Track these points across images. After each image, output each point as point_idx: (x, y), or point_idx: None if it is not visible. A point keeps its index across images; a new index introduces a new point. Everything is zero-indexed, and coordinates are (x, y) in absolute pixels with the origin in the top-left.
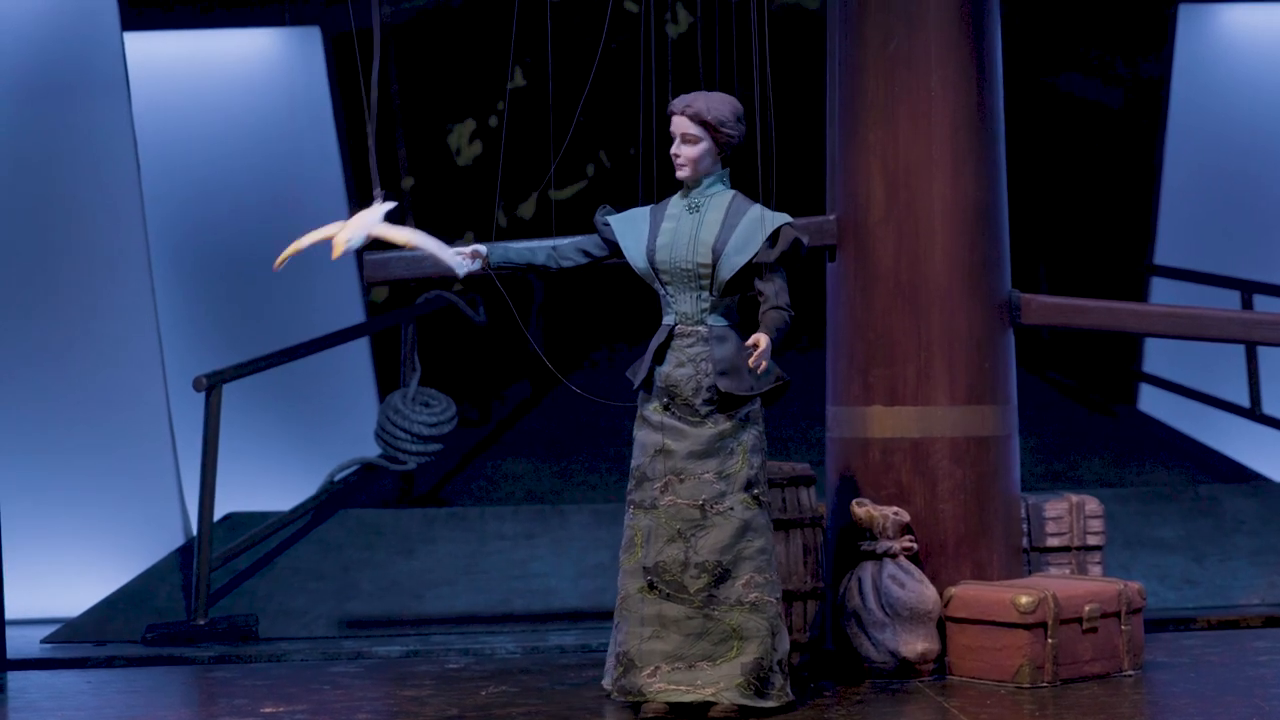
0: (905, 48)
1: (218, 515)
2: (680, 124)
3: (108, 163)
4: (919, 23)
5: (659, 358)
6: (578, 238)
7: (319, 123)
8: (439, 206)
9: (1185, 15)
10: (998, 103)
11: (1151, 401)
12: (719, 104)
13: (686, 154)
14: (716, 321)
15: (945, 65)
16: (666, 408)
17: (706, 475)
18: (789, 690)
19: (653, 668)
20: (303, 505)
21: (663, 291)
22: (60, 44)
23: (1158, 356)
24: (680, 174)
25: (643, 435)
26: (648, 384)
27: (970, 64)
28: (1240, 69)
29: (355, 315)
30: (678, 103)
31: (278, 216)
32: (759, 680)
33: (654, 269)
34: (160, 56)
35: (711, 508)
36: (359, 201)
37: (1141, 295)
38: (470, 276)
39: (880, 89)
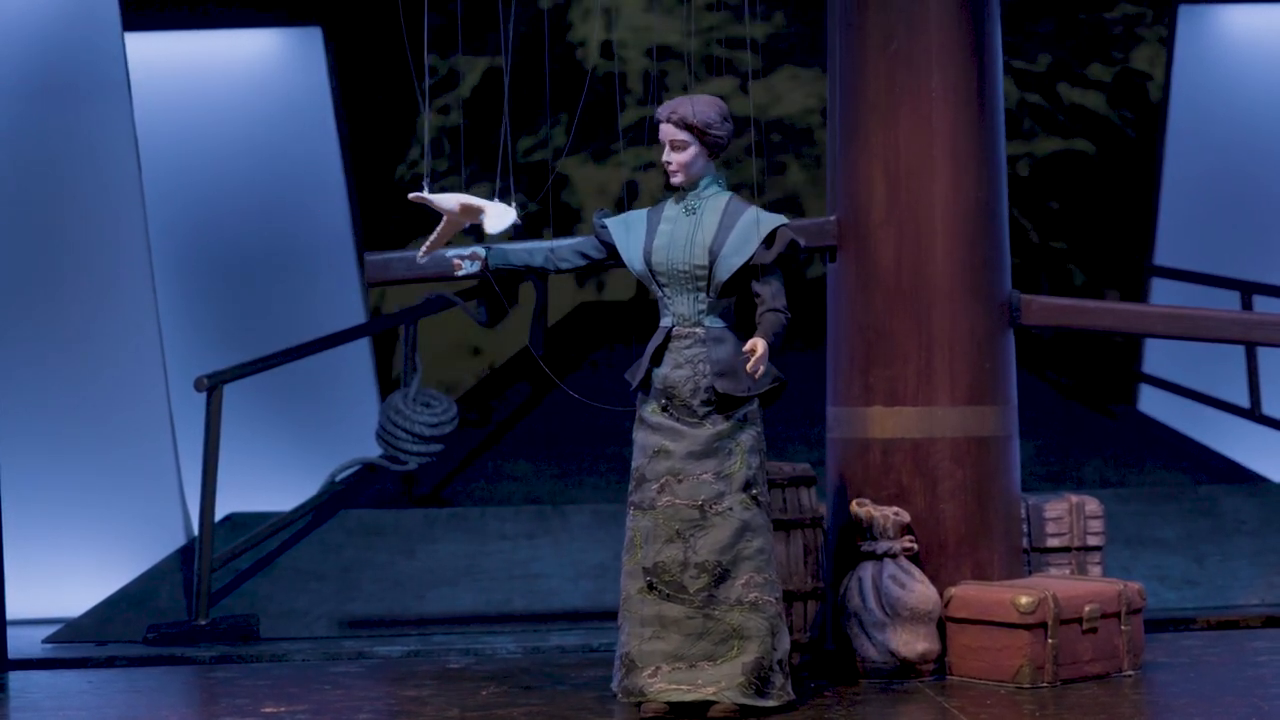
0: (906, 48)
1: (219, 515)
2: (668, 131)
3: (109, 163)
4: (920, 23)
5: (657, 359)
6: (576, 239)
7: (320, 123)
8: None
9: (1185, 16)
10: (998, 103)
11: (1152, 402)
12: (704, 106)
13: (677, 160)
14: (714, 323)
15: (946, 66)
16: (665, 409)
17: (705, 476)
18: (789, 689)
19: (653, 668)
20: (304, 505)
21: (660, 294)
22: (61, 45)
23: (1158, 357)
24: (674, 180)
25: (641, 437)
26: (646, 385)
27: (971, 65)
28: (1241, 70)
29: (356, 315)
30: (663, 110)
31: (279, 217)
32: (759, 680)
33: (651, 271)
34: (161, 57)
35: (710, 508)
36: (358, 201)
37: (1142, 296)
38: (469, 278)
39: (881, 90)
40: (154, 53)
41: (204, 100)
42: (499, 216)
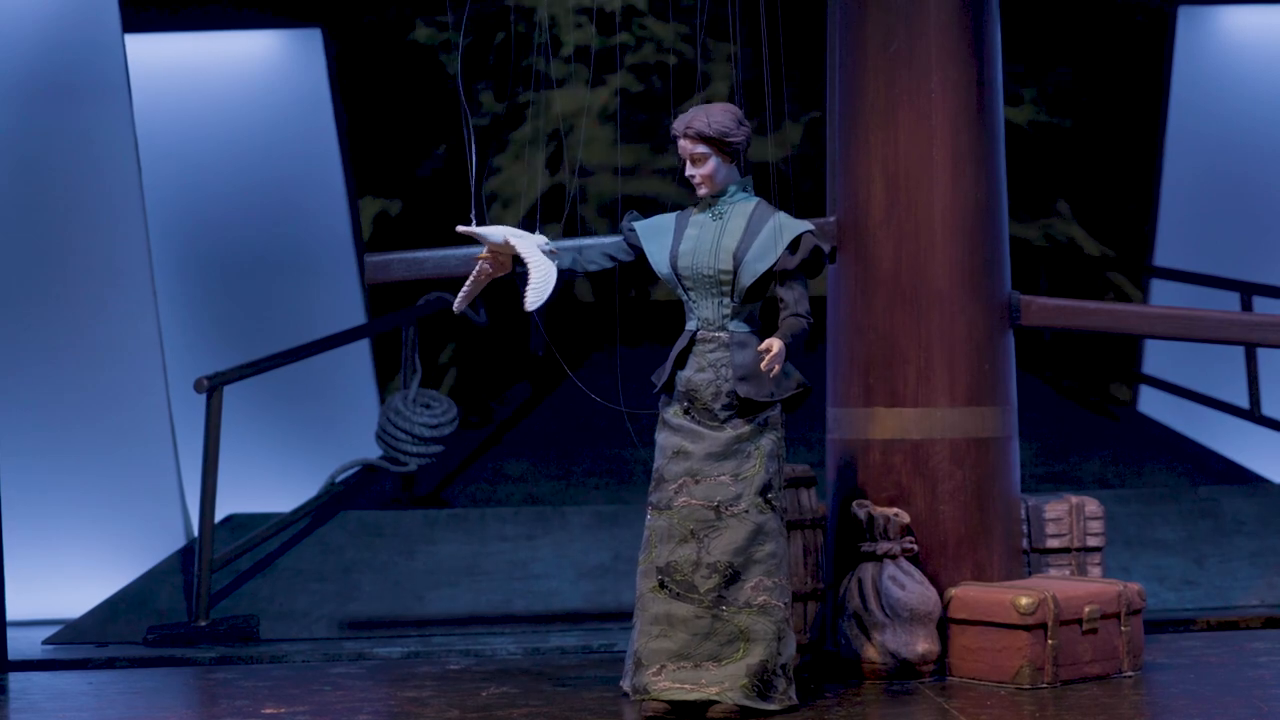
0: (906, 49)
1: (219, 516)
2: (686, 146)
3: (109, 165)
4: (919, 24)
5: (680, 362)
6: (603, 240)
7: (320, 124)
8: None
9: (1185, 17)
10: (998, 104)
11: (1151, 403)
12: (719, 115)
13: (700, 173)
14: (738, 328)
15: (946, 66)
16: (687, 411)
17: (723, 478)
18: (792, 694)
19: (658, 666)
20: (304, 506)
21: (685, 297)
22: (62, 46)
23: (1157, 358)
24: (701, 191)
25: (663, 438)
26: (669, 388)
27: (970, 65)
28: (1240, 71)
29: (356, 317)
30: (678, 125)
31: (279, 218)
32: (762, 683)
33: (677, 275)
34: (161, 58)
35: (726, 509)
36: (359, 201)
37: (1141, 297)
38: (495, 280)
39: (880, 90)
40: (154, 54)
41: (204, 101)
42: (539, 288)
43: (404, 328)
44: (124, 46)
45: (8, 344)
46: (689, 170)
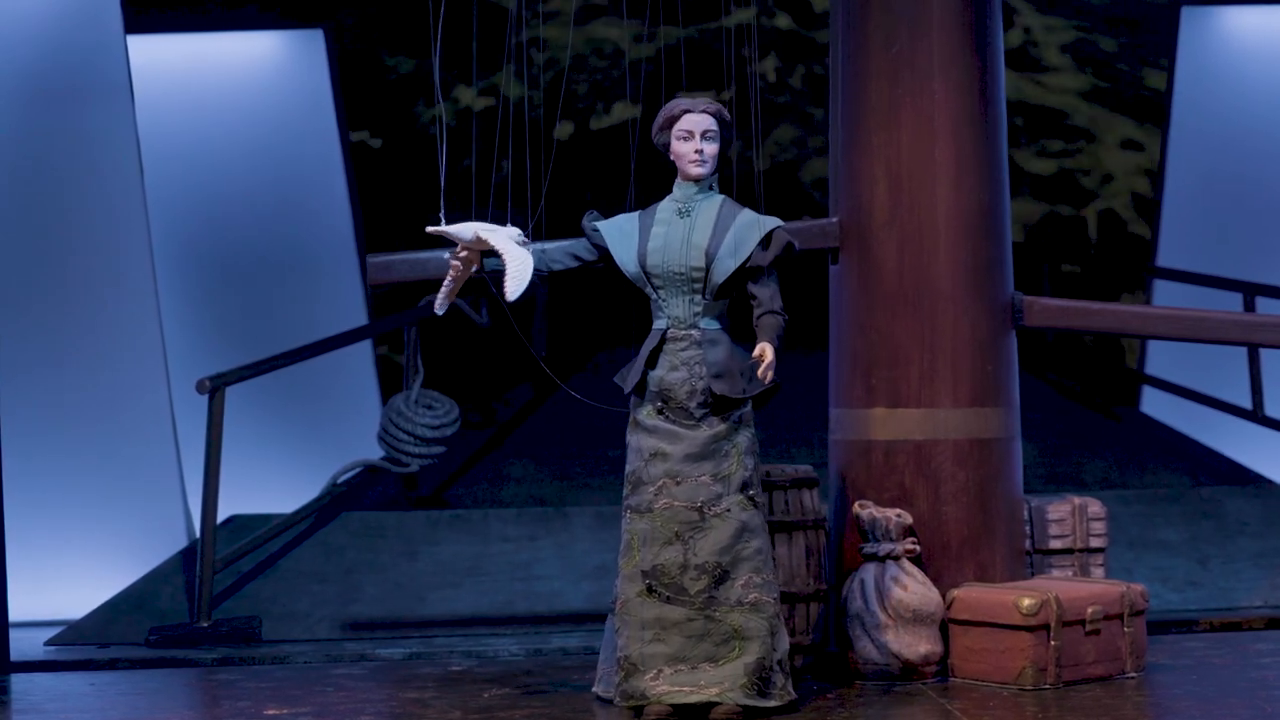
0: (908, 50)
1: (221, 517)
2: (704, 122)
3: (111, 166)
4: (922, 25)
5: (651, 362)
6: (566, 241)
7: (322, 125)
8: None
9: (1188, 17)
10: (1000, 105)
11: (1154, 404)
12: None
13: (709, 151)
14: (709, 325)
15: (948, 68)
16: (660, 411)
17: (703, 478)
18: (790, 689)
19: (655, 671)
20: (306, 507)
21: (654, 296)
22: (64, 47)
23: (1160, 359)
24: (700, 170)
25: (637, 439)
26: (640, 388)
27: (973, 66)
28: (1243, 71)
29: (358, 317)
30: (693, 102)
31: (281, 219)
32: (761, 680)
33: (646, 273)
34: (163, 59)
35: (709, 510)
36: (360, 201)
37: (1144, 298)
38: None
39: (883, 92)
40: (156, 55)
41: (206, 103)
42: (518, 276)
43: (406, 329)
44: (126, 48)
45: (10, 345)
46: (698, 145)
